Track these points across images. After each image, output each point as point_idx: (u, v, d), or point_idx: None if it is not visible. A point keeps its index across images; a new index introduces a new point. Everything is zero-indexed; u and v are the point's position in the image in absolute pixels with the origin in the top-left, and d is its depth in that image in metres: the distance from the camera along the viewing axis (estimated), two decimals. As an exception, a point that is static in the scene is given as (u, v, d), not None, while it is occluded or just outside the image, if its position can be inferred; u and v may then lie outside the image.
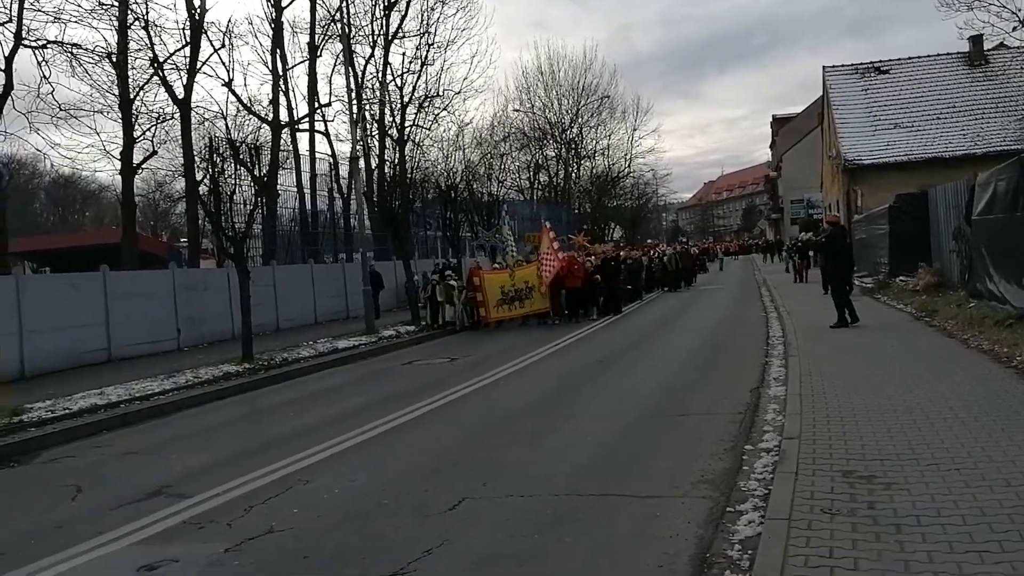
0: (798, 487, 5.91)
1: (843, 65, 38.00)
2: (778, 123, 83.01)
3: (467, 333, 22.39)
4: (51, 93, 24.44)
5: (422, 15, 37.72)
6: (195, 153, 26.06)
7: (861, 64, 37.65)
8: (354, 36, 34.22)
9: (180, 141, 28.65)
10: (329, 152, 38.98)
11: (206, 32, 29.23)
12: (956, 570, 4.30)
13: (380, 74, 36.63)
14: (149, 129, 28.32)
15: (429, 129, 37.15)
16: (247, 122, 24.57)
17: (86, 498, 7.94)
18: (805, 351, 12.73)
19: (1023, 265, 12.60)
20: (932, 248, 21.38)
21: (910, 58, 37.37)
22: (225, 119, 23.84)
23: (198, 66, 28.95)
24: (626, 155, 65.72)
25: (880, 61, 37.57)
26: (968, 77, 35.63)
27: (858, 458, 6.51)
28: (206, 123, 27.84)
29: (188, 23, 28.51)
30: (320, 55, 36.40)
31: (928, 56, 37.23)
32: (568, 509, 6.30)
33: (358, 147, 26.04)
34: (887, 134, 33.95)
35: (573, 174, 63.71)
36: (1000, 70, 34.92)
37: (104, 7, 25.45)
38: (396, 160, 33.13)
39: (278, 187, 31.51)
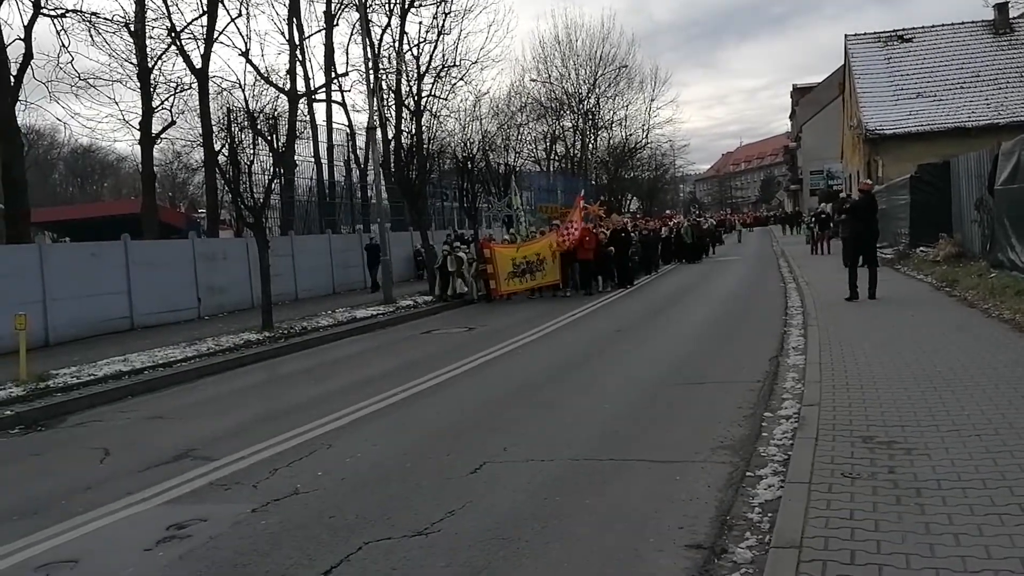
0: (818, 452, 5.94)
1: (866, 33, 37.53)
2: (798, 93, 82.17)
3: (484, 304, 22.35)
4: (70, 63, 24.68)
5: (439, -17, 37.39)
6: (213, 123, 26.15)
7: (884, 32, 37.16)
8: (370, 5, 33.98)
9: (198, 111, 28.71)
10: (346, 123, 38.98)
11: (222, 1, 29.19)
12: (977, 532, 4.33)
13: (397, 43, 36.45)
14: (167, 99, 28.44)
15: (446, 99, 36.99)
16: (264, 92, 24.54)
17: (114, 460, 8.08)
18: (824, 321, 12.70)
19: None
20: (953, 218, 21.22)
21: (933, 26, 36.81)
22: (243, 89, 23.83)
23: (215, 35, 28.96)
24: (643, 126, 65.37)
25: (903, 29, 37.07)
26: (993, 45, 35.11)
27: (878, 424, 6.53)
28: (224, 93, 27.86)
29: (205, -8, 28.47)
30: (337, 24, 36.31)
31: (952, 24, 36.67)
32: (588, 472, 6.36)
33: (375, 117, 25.98)
34: (909, 103, 33.57)
35: (590, 145, 63.45)
36: (1026, 38, 34.42)
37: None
38: (413, 130, 33.03)
39: (295, 158, 31.53)
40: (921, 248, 21.89)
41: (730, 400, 8.44)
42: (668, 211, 62.72)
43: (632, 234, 27.12)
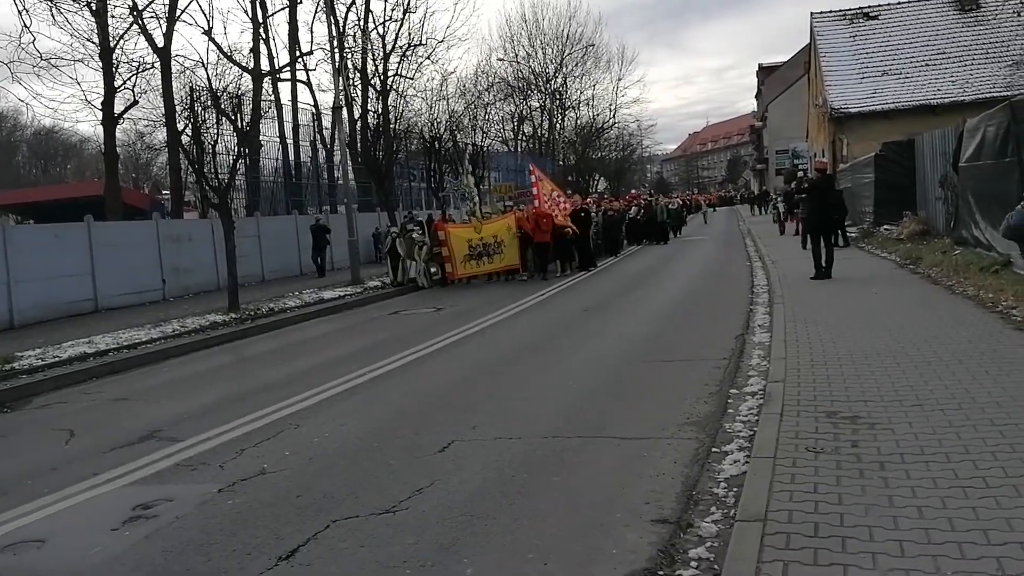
0: (783, 428, 6.00)
1: (831, 11, 37.50)
2: (764, 72, 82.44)
3: (449, 285, 21.41)
4: (32, 43, 24.18)
5: (404, -41, 36.98)
6: (176, 103, 25.79)
7: (850, 10, 37.14)
8: (336, -18, 33.58)
9: (161, 90, 28.28)
10: (312, 102, 38.62)
11: (185, -22, 28.70)
12: (940, 504, 4.39)
13: (362, 21, 36.07)
14: (130, 78, 27.96)
15: (412, 79, 36.70)
16: (228, 71, 24.21)
17: (79, 442, 8.00)
18: (790, 299, 12.80)
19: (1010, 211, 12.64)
20: (918, 196, 21.46)
21: (900, 3, 36.80)
22: (206, 68, 23.57)
23: (177, 14, 28.49)
24: (611, 106, 65.30)
25: (869, 7, 37.08)
26: (959, 22, 35.17)
27: (842, 400, 6.60)
28: (187, 72, 27.45)
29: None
30: (301, 2, 35.90)
31: (919, 1, 36.74)
32: (555, 450, 6.38)
33: (340, 97, 25.70)
34: (875, 82, 33.71)
35: (557, 125, 63.30)
36: (991, 15, 34.45)
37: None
38: (379, 110, 32.76)
39: (260, 138, 31.17)
40: (885, 226, 22.12)
41: (696, 377, 8.49)
42: (632, 191, 62.53)
43: (593, 215, 26.80)
